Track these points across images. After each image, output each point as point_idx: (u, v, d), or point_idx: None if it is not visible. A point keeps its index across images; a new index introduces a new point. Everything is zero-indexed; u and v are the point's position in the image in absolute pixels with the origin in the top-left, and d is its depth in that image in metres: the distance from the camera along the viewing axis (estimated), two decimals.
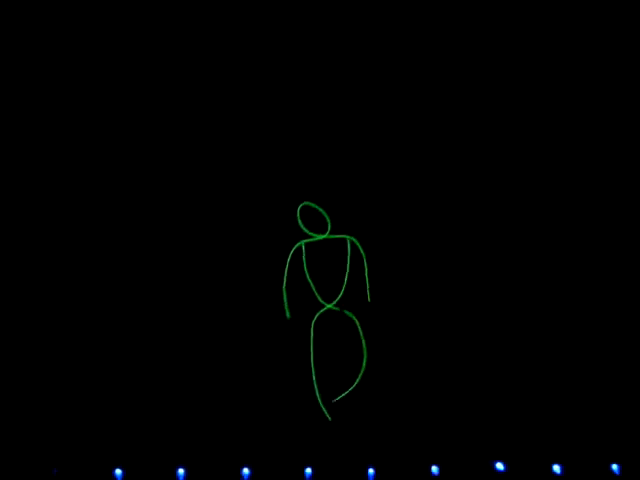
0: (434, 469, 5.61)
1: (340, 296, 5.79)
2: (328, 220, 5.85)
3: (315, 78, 6.01)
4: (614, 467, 5.57)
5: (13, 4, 6.02)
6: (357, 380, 5.69)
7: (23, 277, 5.82)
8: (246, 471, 5.61)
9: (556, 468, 5.58)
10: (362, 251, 5.82)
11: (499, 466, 5.59)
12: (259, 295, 5.79)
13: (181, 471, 5.61)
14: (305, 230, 5.84)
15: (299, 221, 5.84)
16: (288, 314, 5.76)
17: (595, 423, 5.67)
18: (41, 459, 5.65)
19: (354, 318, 5.77)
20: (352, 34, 6.03)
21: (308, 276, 5.80)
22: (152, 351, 5.77)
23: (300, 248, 5.83)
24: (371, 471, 5.62)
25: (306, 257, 5.83)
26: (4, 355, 5.77)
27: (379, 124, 5.97)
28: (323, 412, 5.69)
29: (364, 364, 5.71)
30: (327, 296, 5.82)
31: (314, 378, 5.71)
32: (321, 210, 5.86)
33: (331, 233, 5.85)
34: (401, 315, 5.79)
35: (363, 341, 5.73)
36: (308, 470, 5.63)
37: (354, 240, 5.84)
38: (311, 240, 5.84)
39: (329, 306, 5.77)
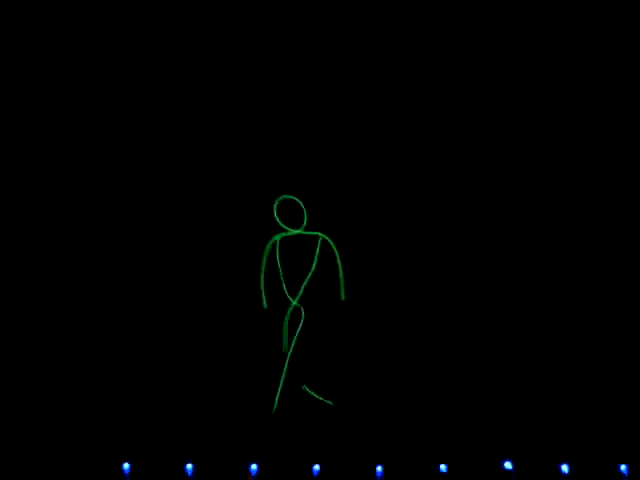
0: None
1: (300, 293, 5.79)
2: (305, 215, 5.83)
3: (287, 75, 5.94)
4: (622, 467, 5.59)
5: (13, 4, 5.98)
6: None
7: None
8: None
9: (564, 468, 5.60)
10: (335, 249, 5.79)
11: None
12: (235, 286, 5.79)
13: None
14: (281, 224, 5.82)
15: (275, 215, 5.81)
16: (265, 304, 5.77)
17: (603, 422, 5.68)
18: (50, 455, 5.69)
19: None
20: (331, 33, 5.97)
21: (280, 270, 5.80)
22: (126, 346, 5.78)
23: (275, 242, 5.82)
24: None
25: (279, 252, 5.81)
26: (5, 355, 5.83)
27: (356, 124, 5.92)
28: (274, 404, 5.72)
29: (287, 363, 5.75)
30: (293, 292, 5.82)
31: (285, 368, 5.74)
32: (300, 202, 5.82)
33: (306, 229, 5.83)
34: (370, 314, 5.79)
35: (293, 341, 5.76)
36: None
37: (326, 238, 5.82)
38: (286, 235, 5.82)
39: (294, 302, 5.78)
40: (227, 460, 5.67)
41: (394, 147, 5.90)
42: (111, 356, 5.78)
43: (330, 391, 5.74)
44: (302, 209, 5.83)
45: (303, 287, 5.80)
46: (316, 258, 5.81)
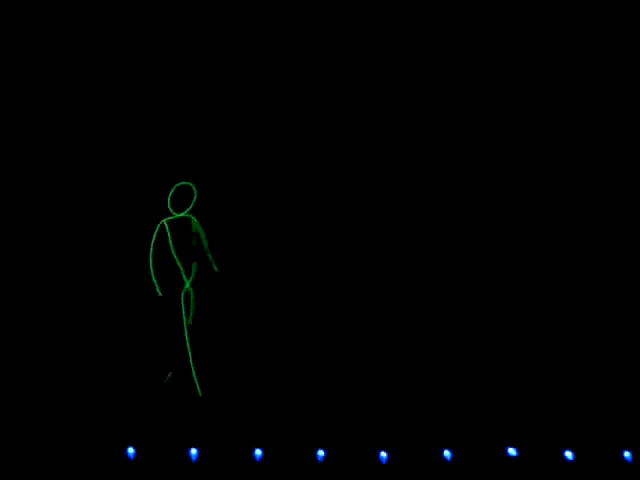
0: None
1: (194, 273, 5.85)
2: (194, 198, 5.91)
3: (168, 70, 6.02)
4: (626, 454, 5.59)
5: (13, 4, 6.01)
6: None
7: None
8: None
9: (568, 454, 5.60)
10: (200, 228, 5.88)
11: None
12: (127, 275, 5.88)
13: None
14: (170, 209, 5.92)
15: (168, 202, 5.92)
16: (159, 291, 5.83)
17: (607, 408, 5.67)
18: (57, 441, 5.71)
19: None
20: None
21: (174, 253, 5.87)
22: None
23: (163, 227, 5.90)
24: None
25: (171, 235, 5.89)
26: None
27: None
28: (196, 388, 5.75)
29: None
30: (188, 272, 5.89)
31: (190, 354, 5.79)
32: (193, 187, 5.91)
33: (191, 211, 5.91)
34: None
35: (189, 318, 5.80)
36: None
37: (193, 218, 5.90)
38: (172, 218, 5.90)
39: (187, 283, 5.84)
40: (232, 445, 5.69)
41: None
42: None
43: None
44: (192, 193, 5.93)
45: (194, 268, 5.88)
46: (196, 238, 5.92)
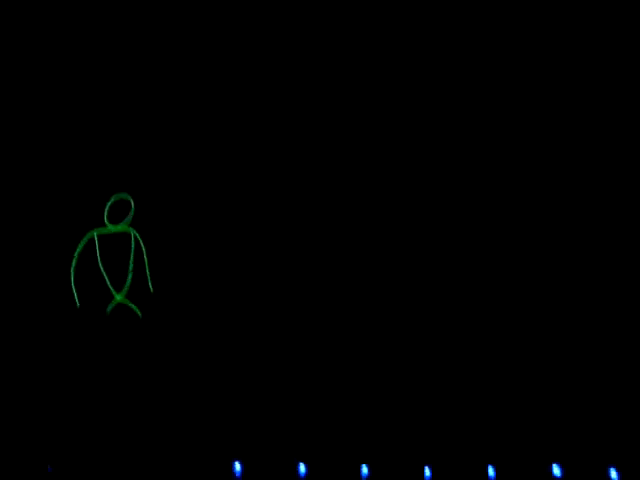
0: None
1: (127, 287, 5.81)
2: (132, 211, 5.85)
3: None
4: None
5: (13, 4, 6.00)
6: None
7: None
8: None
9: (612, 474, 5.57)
10: (142, 244, 5.82)
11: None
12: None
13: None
14: (106, 221, 5.86)
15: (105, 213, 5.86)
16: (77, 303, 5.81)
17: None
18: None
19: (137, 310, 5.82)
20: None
21: (101, 266, 5.82)
22: None
23: (93, 239, 5.85)
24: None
25: (99, 248, 5.84)
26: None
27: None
28: None
29: None
30: (118, 287, 5.85)
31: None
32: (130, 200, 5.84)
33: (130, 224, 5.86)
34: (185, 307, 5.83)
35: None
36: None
37: (135, 232, 5.84)
38: (103, 231, 5.85)
39: (118, 297, 5.81)
40: (275, 458, 5.73)
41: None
42: None
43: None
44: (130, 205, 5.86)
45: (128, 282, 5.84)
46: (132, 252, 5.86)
